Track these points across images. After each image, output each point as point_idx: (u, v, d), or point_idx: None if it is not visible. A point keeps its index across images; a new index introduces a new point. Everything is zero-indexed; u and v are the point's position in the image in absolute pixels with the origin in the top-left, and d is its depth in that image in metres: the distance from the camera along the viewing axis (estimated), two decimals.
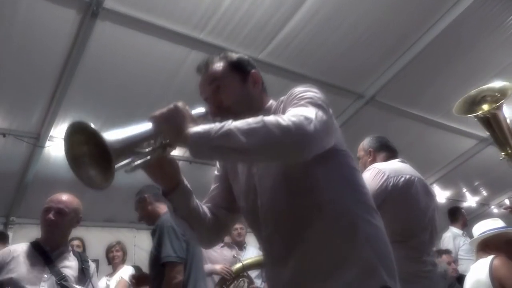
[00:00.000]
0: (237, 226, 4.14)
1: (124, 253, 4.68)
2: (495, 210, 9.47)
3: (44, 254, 2.24)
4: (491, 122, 2.06)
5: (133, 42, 4.02)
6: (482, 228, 2.64)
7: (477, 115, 2.04)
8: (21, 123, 4.48)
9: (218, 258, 3.79)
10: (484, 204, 9.51)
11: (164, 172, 1.25)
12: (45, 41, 3.77)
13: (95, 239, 5.21)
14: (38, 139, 4.67)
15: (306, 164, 1.18)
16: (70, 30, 3.74)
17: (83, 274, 2.29)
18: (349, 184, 1.29)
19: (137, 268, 4.50)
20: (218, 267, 3.59)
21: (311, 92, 1.25)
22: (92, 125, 0.95)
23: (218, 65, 1.41)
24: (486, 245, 2.55)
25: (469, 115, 2.08)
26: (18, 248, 2.29)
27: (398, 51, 5.01)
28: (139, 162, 1.09)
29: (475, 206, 9.27)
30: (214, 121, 1.15)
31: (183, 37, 4.09)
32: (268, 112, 1.33)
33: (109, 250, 4.65)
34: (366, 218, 1.25)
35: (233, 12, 4.00)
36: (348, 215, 1.23)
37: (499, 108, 2.02)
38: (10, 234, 5.14)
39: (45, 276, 2.15)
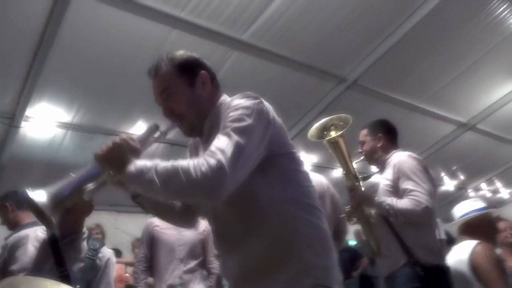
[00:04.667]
0: None
1: (103, 236, 4.65)
2: (472, 194, 9.74)
3: (53, 242, 2.09)
4: (335, 146, 2.53)
5: (111, 18, 3.89)
6: (463, 209, 2.61)
7: (327, 140, 2.53)
8: None
9: (172, 240, 3.29)
10: (461, 188, 9.75)
11: (125, 187, 1.33)
12: (18, 15, 3.61)
13: None
14: (13, 119, 4.52)
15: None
16: (45, 3, 3.59)
17: (92, 265, 2.12)
18: (289, 186, 1.35)
19: (116, 251, 4.46)
20: None
21: (242, 109, 1.28)
22: (30, 195, 1.19)
23: (166, 71, 1.44)
24: (468, 227, 2.52)
25: (319, 140, 2.57)
26: (31, 233, 2.15)
27: (381, 35, 5.00)
28: (94, 186, 1.33)
29: (453, 190, 9.52)
30: (170, 125, 1.42)
31: (163, 15, 3.98)
32: (217, 113, 1.40)
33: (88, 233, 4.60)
34: (306, 218, 1.33)
35: None
36: (288, 217, 1.30)
37: (342, 135, 2.51)
38: None
39: (48, 267, 2.01)
